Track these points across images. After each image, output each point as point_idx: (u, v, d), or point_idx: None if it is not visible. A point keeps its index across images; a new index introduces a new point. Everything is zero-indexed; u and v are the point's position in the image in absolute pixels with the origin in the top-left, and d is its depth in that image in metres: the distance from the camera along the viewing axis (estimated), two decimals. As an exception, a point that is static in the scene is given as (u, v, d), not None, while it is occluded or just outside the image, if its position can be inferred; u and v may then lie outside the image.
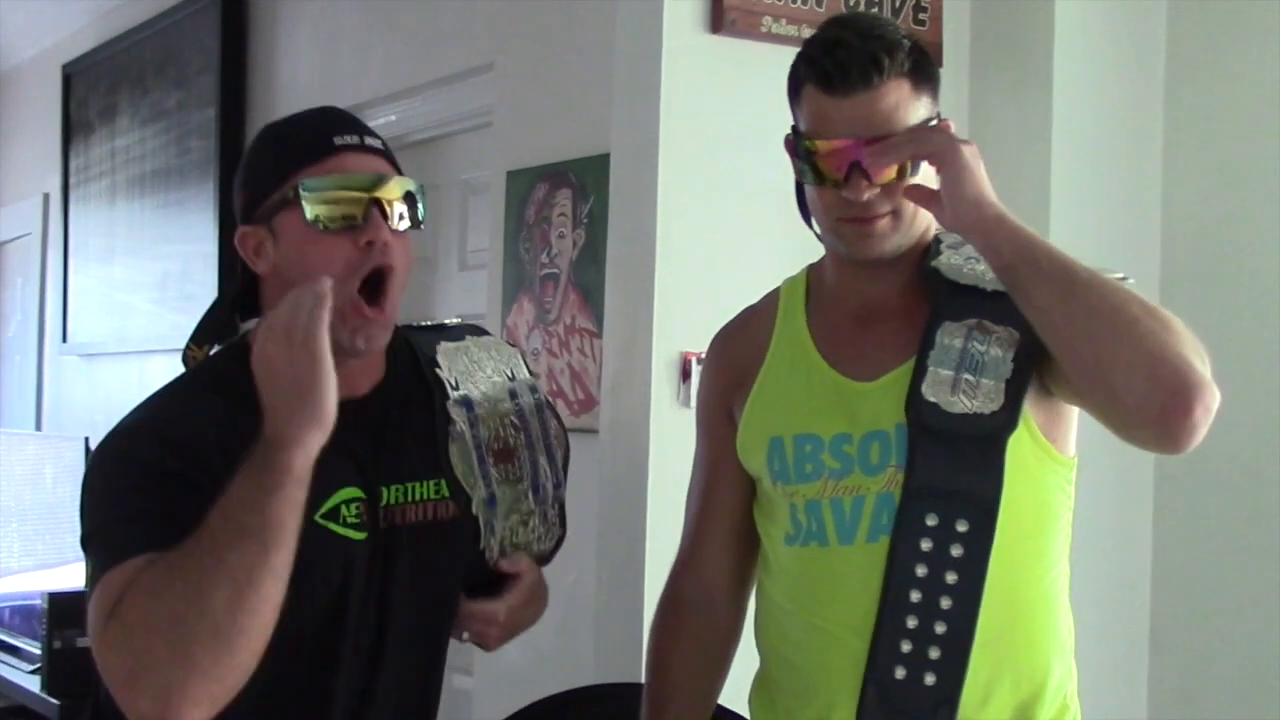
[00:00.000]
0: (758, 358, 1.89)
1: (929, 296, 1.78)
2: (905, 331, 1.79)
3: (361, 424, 1.73)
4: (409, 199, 1.70)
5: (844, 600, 1.78)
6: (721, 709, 2.04)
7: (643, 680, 2.01)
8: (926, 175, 1.75)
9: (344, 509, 1.71)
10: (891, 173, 1.71)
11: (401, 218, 1.69)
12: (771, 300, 1.94)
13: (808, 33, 2.02)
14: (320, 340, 1.51)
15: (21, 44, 6.27)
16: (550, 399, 1.99)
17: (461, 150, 3.79)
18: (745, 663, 1.99)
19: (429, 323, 1.98)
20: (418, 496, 1.78)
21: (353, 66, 4.15)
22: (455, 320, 2.02)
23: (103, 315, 5.55)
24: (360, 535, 1.71)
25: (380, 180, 1.68)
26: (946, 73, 3.13)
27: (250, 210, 1.72)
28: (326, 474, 1.65)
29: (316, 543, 1.65)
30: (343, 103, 4.15)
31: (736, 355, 1.93)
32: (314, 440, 1.51)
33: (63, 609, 3.97)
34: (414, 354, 1.85)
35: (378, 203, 1.66)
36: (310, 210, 1.65)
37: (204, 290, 4.75)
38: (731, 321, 2.01)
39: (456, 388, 1.85)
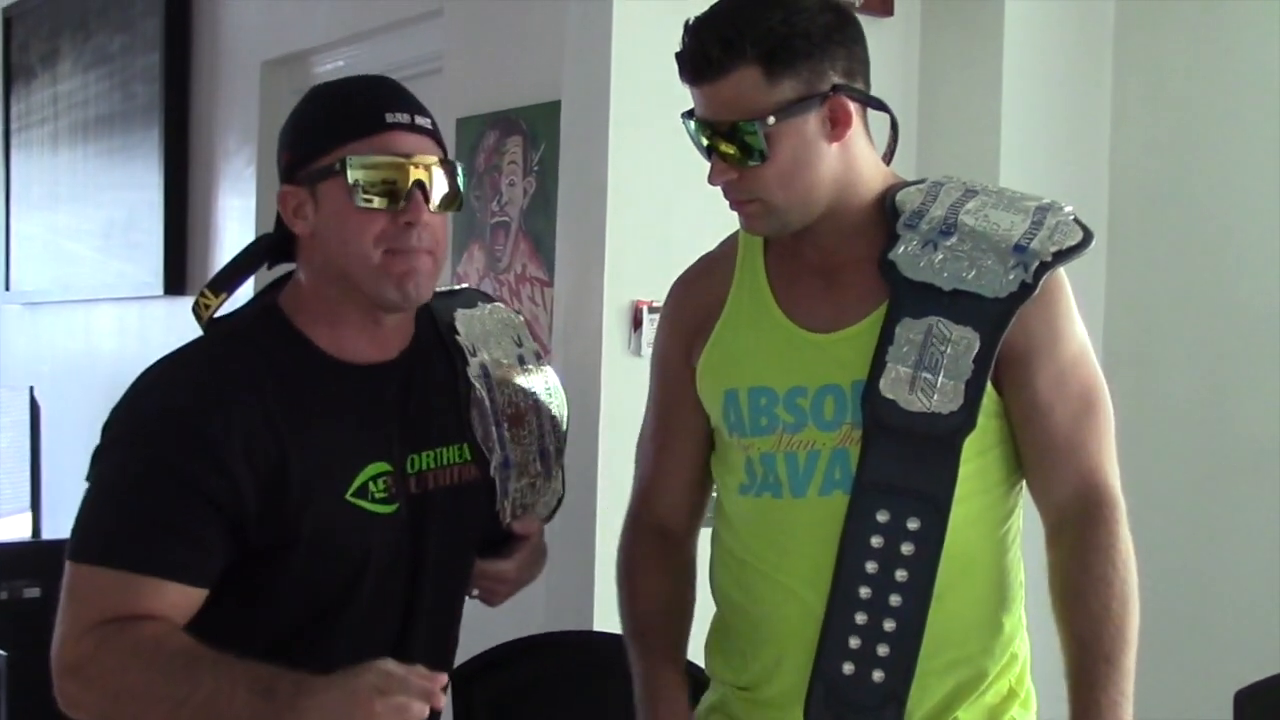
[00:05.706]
0: (717, 306, 1.87)
1: (888, 287, 1.75)
2: (863, 283, 1.77)
3: (390, 390, 1.78)
4: (451, 181, 1.74)
5: (796, 552, 1.77)
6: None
7: (594, 628, 2.01)
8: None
9: (371, 485, 1.74)
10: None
11: (442, 199, 1.73)
12: (731, 245, 1.92)
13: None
14: None
15: (-40, -13, 6.15)
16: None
17: (410, 96, 3.75)
18: (701, 617, 1.98)
19: (442, 288, 1.99)
20: (445, 461, 1.82)
21: (300, 10, 4.09)
22: (464, 286, 2.07)
23: (47, 263, 5.48)
24: (389, 509, 1.74)
25: (425, 161, 1.72)
26: (897, 19, 3.13)
27: (293, 170, 1.75)
28: (355, 449, 1.72)
29: (345, 519, 1.70)
30: (289, 47, 4.13)
31: (697, 303, 1.91)
32: None
33: (9, 560, 3.93)
34: (433, 319, 1.89)
35: (420, 184, 1.70)
36: (354, 185, 1.68)
37: (149, 238, 4.69)
38: (692, 268, 1.99)
39: (475, 354, 1.90)
